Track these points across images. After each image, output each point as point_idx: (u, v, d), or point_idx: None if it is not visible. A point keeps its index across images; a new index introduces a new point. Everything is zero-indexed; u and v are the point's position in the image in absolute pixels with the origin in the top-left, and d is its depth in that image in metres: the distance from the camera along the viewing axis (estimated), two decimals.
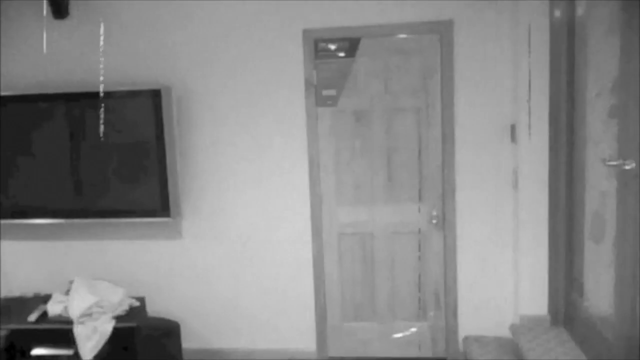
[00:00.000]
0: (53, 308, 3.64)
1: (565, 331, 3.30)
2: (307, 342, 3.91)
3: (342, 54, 3.69)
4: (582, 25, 3.05)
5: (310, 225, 3.81)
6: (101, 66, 3.69)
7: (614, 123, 2.63)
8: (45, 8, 3.68)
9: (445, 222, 3.70)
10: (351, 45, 3.68)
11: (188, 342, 3.93)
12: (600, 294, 2.90)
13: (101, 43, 3.73)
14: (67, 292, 3.71)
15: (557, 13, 3.26)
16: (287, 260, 3.86)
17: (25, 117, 3.80)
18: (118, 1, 3.79)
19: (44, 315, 3.64)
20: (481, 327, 3.70)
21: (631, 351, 2.47)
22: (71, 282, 3.73)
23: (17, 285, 4.01)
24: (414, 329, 3.85)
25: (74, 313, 3.53)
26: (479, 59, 3.56)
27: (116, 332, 3.48)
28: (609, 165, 2.58)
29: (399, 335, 3.86)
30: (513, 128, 3.52)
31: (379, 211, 3.79)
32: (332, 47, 3.70)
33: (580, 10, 3.06)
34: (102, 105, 3.71)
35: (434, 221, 3.72)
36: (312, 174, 3.77)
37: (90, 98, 3.74)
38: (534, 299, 3.47)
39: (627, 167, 2.41)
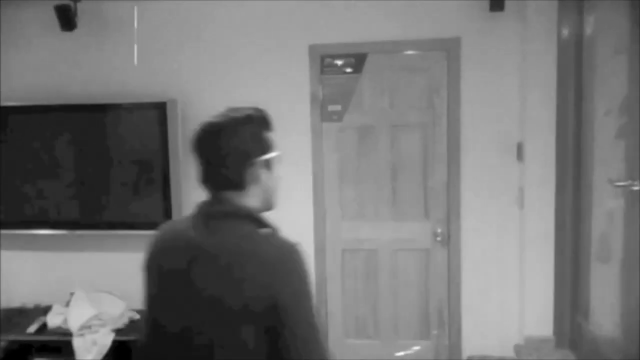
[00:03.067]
0: (53, 320, 3.61)
1: (570, 353, 3.25)
2: None
3: (348, 70, 3.69)
4: (590, 44, 3.04)
5: (313, 240, 3.78)
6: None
7: (622, 143, 2.61)
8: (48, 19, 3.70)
9: (450, 240, 3.67)
10: (357, 61, 3.67)
11: None
12: (606, 315, 2.85)
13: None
14: (68, 304, 3.68)
15: (565, 32, 3.25)
16: None
17: (30, 128, 3.80)
18: (125, 14, 3.80)
19: (43, 327, 3.62)
20: (485, 347, 3.65)
21: None
22: (72, 294, 3.71)
23: (18, 296, 3.99)
24: (416, 348, 3.80)
25: (73, 325, 3.50)
26: (486, 77, 3.55)
27: (116, 345, 3.45)
28: (617, 186, 2.55)
29: (402, 353, 3.81)
30: (519, 146, 3.50)
31: (383, 228, 3.76)
32: (339, 62, 3.69)
33: (588, 29, 3.05)
34: (108, 117, 3.73)
35: (439, 239, 3.69)
36: (316, 189, 3.75)
37: (95, 110, 3.75)
38: (539, 320, 3.43)
39: (635, 188, 2.38)
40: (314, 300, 1.53)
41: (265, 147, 1.61)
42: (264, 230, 1.55)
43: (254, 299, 1.43)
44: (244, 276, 1.45)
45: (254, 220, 1.55)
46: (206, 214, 1.55)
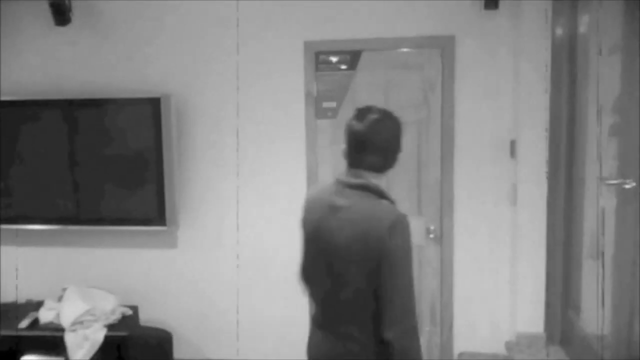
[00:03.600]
0: (45, 315, 3.60)
1: (561, 350, 3.27)
2: (301, 355, 3.86)
3: (343, 67, 3.69)
4: (583, 42, 3.05)
5: None
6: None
7: (614, 141, 2.62)
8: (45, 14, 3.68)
9: (442, 236, 3.68)
10: (352, 58, 3.68)
11: (180, 353, 3.89)
12: (597, 313, 2.87)
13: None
14: (60, 299, 3.67)
15: (559, 30, 3.26)
16: (282, 273, 3.83)
17: (23, 122, 3.79)
18: (120, 9, 3.79)
19: (35, 322, 3.61)
20: (477, 344, 3.67)
21: None
22: (64, 290, 3.70)
23: (10, 290, 3.98)
24: None
25: (65, 320, 3.50)
26: (480, 75, 3.57)
27: (108, 340, 3.45)
28: (608, 184, 2.57)
29: None
30: (513, 144, 3.52)
31: None
32: (333, 59, 3.70)
33: (582, 28, 3.07)
34: (102, 112, 3.72)
35: (432, 235, 3.70)
36: (310, 185, 3.75)
37: (89, 105, 3.74)
38: (531, 316, 3.45)
39: (627, 186, 2.40)
40: (412, 265, 1.96)
41: (401, 142, 2.10)
42: (384, 201, 2.03)
43: (365, 249, 1.92)
44: (362, 230, 1.94)
45: (378, 193, 2.03)
46: (343, 184, 2.06)
